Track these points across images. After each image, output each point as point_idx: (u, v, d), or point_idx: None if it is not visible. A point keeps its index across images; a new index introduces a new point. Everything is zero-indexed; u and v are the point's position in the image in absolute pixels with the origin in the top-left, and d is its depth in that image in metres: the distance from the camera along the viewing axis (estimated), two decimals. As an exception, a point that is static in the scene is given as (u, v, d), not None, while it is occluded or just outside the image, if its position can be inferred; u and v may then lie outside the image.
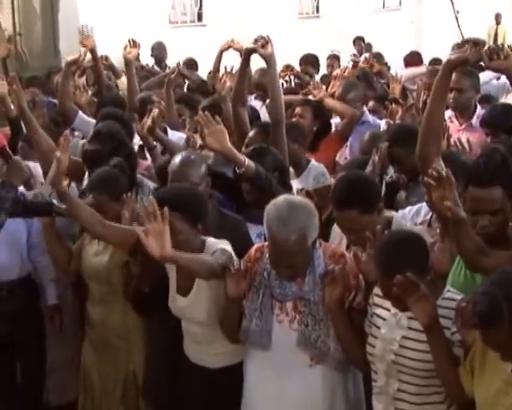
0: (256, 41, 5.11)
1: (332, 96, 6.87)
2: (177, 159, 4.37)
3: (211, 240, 3.86)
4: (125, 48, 7.10)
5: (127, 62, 7.07)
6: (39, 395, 5.22)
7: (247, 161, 4.35)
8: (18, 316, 4.92)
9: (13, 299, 4.93)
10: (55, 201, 4.41)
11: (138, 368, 4.51)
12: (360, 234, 3.58)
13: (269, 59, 5.05)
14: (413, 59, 10.26)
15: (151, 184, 5.05)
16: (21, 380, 5.11)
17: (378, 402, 3.43)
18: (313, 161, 5.56)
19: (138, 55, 10.20)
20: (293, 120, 6.08)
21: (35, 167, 4.52)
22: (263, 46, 5.05)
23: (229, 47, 8.42)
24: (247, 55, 5.28)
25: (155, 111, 5.51)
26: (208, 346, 3.94)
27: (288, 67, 8.34)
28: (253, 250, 3.81)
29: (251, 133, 5.14)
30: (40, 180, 4.54)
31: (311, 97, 6.70)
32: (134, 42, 7.17)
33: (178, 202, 3.70)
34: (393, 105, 6.34)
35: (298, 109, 6.23)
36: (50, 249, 4.79)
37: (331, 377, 3.65)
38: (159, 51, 10.84)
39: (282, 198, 3.59)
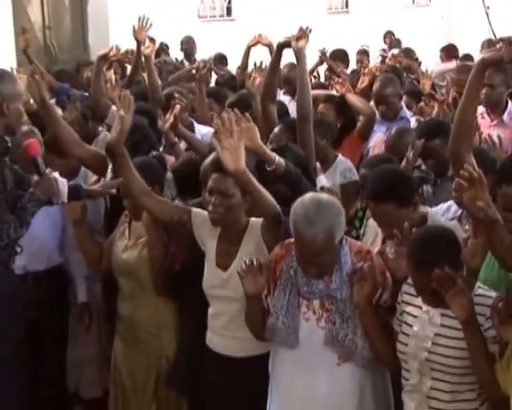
0: (299, 31, 5.07)
1: (362, 91, 6.82)
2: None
3: (254, 219, 3.95)
4: (144, 43, 7.01)
5: (146, 58, 6.97)
6: (62, 385, 5.24)
7: (278, 158, 4.25)
8: (43, 304, 4.92)
9: (39, 287, 4.93)
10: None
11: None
12: (396, 228, 3.55)
13: (299, 53, 5.00)
14: (450, 51, 10.23)
15: None
16: (43, 369, 5.09)
17: (410, 400, 3.39)
18: (340, 157, 5.50)
19: (167, 48, 10.28)
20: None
21: (62, 184, 4.57)
22: (298, 39, 5.01)
23: (258, 42, 8.36)
24: (279, 49, 5.24)
25: (177, 107, 5.50)
26: (240, 330, 3.87)
27: (323, 54, 8.28)
28: (277, 247, 3.77)
29: (276, 130, 5.08)
30: (63, 199, 4.61)
31: (334, 92, 6.65)
32: (152, 38, 7.13)
33: None
34: (431, 101, 6.30)
35: (320, 106, 6.19)
36: (81, 246, 4.82)
37: (359, 375, 3.61)
38: (188, 45, 10.84)
39: (309, 196, 3.54)
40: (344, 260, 3.56)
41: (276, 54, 5.29)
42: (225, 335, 3.98)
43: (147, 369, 4.56)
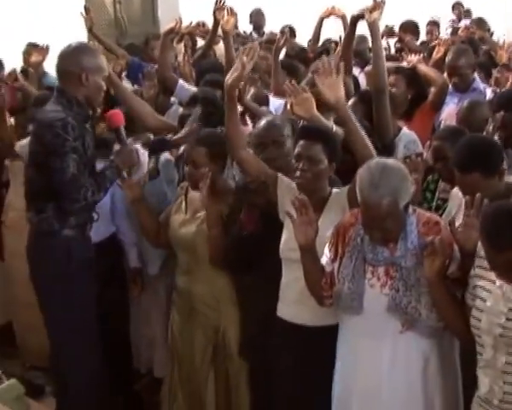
0: (373, 3, 5.04)
1: (436, 62, 6.76)
2: (261, 121, 4.52)
3: (337, 189, 4.07)
4: (223, 17, 6.99)
5: (225, 32, 6.89)
6: (123, 360, 5.33)
7: (335, 128, 4.39)
8: (103, 278, 4.96)
9: (100, 260, 4.95)
10: None
11: (229, 335, 4.57)
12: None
13: (372, 26, 4.97)
14: None
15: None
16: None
17: (484, 376, 3.35)
18: (405, 129, 5.45)
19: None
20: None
21: (143, 156, 4.73)
22: (371, 11, 4.98)
23: (330, 14, 8.29)
24: (353, 22, 5.21)
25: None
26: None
27: (391, 30, 8.22)
28: (348, 215, 3.81)
29: (350, 102, 5.08)
30: (144, 170, 4.75)
31: (405, 64, 6.61)
32: (231, 10, 7.06)
33: (322, 135, 4.00)
34: (505, 72, 6.22)
35: (391, 78, 6.14)
36: (140, 222, 4.88)
37: (423, 344, 3.62)
38: (257, 18, 10.81)
39: (374, 161, 3.59)
40: (410, 229, 3.57)
41: (351, 27, 5.27)
42: (300, 302, 4.03)
43: (204, 341, 4.62)
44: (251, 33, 10.38)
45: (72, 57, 4.45)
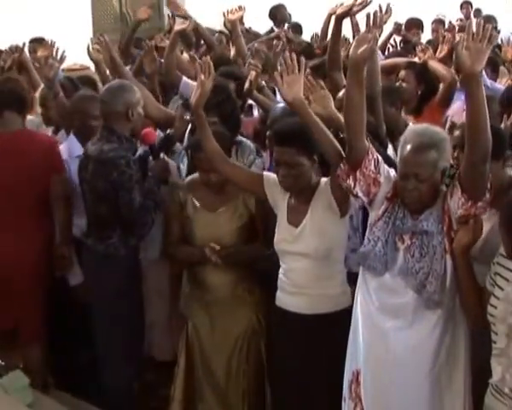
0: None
1: (441, 61, 6.75)
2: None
3: (325, 179, 4.06)
4: (232, 12, 7.27)
5: (232, 24, 7.22)
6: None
7: None
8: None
9: None
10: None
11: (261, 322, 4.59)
12: None
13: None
14: None
15: (251, 144, 5.16)
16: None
17: (497, 364, 3.34)
18: (411, 125, 5.42)
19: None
20: (398, 83, 6.06)
21: (173, 167, 4.99)
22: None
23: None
24: (338, 20, 5.23)
25: (252, 74, 5.57)
26: (311, 287, 4.04)
27: (399, 27, 8.19)
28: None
29: (340, 94, 5.08)
30: (174, 177, 4.98)
31: (416, 59, 6.61)
32: (240, 7, 7.33)
33: (294, 137, 3.95)
34: None
35: (401, 73, 6.17)
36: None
37: (431, 319, 3.63)
38: (280, 13, 10.70)
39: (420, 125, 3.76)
40: (441, 206, 3.60)
41: (336, 26, 5.35)
42: (296, 292, 4.10)
43: (236, 332, 4.59)
44: (272, 28, 10.32)
45: (117, 98, 4.70)
